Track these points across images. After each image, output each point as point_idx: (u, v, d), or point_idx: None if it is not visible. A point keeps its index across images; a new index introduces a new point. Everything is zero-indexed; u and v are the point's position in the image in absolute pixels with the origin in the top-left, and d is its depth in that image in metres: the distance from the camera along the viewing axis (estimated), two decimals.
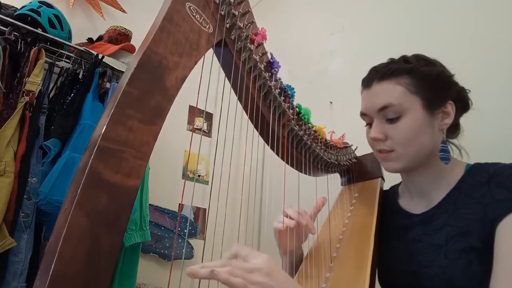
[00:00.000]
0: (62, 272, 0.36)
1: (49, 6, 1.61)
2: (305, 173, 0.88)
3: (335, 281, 0.68)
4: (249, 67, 0.67)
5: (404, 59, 0.76)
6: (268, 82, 0.71)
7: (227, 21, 0.62)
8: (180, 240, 1.96)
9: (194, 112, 2.18)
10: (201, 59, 0.54)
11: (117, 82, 1.60)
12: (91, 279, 0.38)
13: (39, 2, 1.59)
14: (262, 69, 0.69)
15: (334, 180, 1.02)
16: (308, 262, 0.77)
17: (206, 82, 0.54)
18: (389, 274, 0.78)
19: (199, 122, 2.22)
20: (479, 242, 0.63)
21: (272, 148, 0.76)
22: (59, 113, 1.46)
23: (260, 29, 0.69)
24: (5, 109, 1.30)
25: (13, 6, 1.60)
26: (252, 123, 0.72)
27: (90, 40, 1.82)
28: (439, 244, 0.68)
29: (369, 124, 0.77)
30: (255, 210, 1.81)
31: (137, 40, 1.68)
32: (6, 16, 1.45)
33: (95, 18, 2.02)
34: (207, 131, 2.26)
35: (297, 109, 0.81)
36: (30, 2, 1.59)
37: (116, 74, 1.67)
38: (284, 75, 0.75)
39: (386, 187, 0.96)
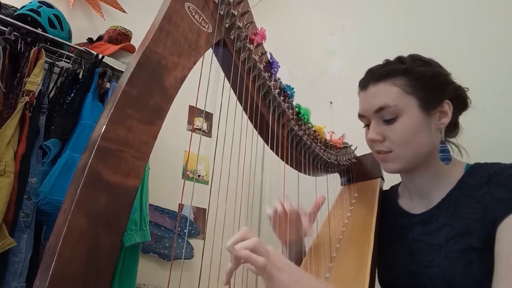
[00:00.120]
0: (62, 272, 0.36)
1: (49, 6, 1.61)
2: (305, 173, 0.88)
3: (335, 281, 0.68)
4: (249, 67, 0.67)
5: (399, 60, 0.76)
6: (268, 82, 0.71)
7: (226, 21, 0.62)
8: (180, 240, 1.96)
9: (194, 112, 2.18)
10: (201, 59, 0.54)
11: (117, 82, 1.60)
12: (91, 279, 0.38)
13: (39, 2, 1.59)
14: (262, 69, 0.69)
15: (333, 180, 1.02)
16: (308, 262, 0.77)
17: (205, 82, 0.54)
18: (389, 274, 0.78)
19: (199, 122, 2.22)
20: (480, 242, 0.63)
21: (271, 148, 0.76)
22: (59, 113, 1.46)
23: (259, 29, 0.69)
24: (5, 109, 1.30)
25: (13, 6, 1.60)
26: (252, 123, 0.72)
27: (90, 40, 1.82)
28: (439, 244, 0.68)
29: (367, 126, 0.77)
30: (255, 210, 1.81)
31: (137, 40, 1.67)
32: (6, 16, 1.45)
33: (95, 18, 2.02)
34: (207, 131, 2.26)
35: (296, 109, 0.81)
36: (30, 2, 1.59)
37: (116, 74, 1.67)
38: (284, 75, 0.75)
39: (386, 187, 0.96)
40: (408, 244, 0.75)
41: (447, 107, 0.72)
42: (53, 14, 1.60)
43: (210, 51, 0.60)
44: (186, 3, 0.53)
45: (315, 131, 0.87)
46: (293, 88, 0.79)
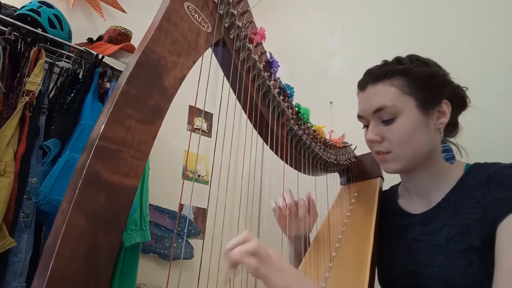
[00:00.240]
0: (60, 272, 0.36)
1: (49, 6, 1.61)
2: (304, 172, 0.88)
3: (335, 281, 0.68)
4: (248, 66, 0.67)
5: (397, 60, 0.76)
6: (267, 81, 0.71)
7: (226, 21, 0.62)
8: (179, 240, 1.96)
9: (193, 111, 2.18)
10: (200, 59, 0.54)
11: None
12: (90, 279, 0.38)
13: (39, 2, 1.59)
14: (261, 68, 0.69)
15: (333, 180, 1.02)
16: (307, 261, 0.77)
17: (205, 81, 0.54)
18: (389, 274, 0.78)
19: (199, 122, 2.22)
20: (480, 242, 0.63)
21: (271, 147, 0.76)
22: (59, 113, 1.46)
23: (259, 29, 0.69)
24: (5, 109, 1.30)
25: (13, 6, 1.60)
26: (251, 122, 0.72)
27: (90, 40, 1.82)
28: (439, 244, 0.68)
29: (367, 126, 0.77)
30: (255, 210, 1.81)
31: (137, 40, 1.67)
32: (6, 16, 1.45)
33: (95, 18, 2.02)
34: (206, 131, 2.26)
35: (296, 108, 0.81)
36: (30, 2, 1.59)
37: (116, 74, 1.67)
38: (284, 75, 0.75)
39: (386, 187, 0.96)
40: (408, 244, 0.75)
41: (446, 107, 0.72)
42: (53, 14, 1.60)
43: (209, 51, 0.60)
44: (186, 3, 0.53)
45: (314, 131, 0.87)
46: (292, 88, 0.79)
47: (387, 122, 0.72)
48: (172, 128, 2.03)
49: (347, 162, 1.00)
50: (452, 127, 0.78)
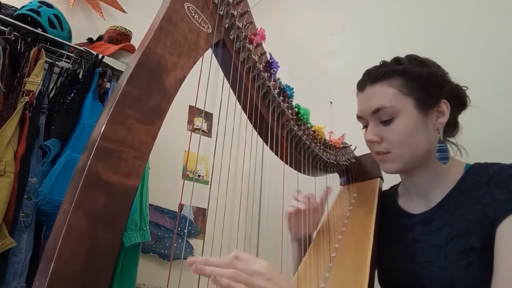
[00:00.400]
0: (61, 272, 0.36)
1: (49, 6, 1.61)
2: (304, 173, 0.88)
3: (334, 281, 0.68)
4: (248, 67, 0.68)
5: (396, 60, 0.76)
6: (267, 82, 0.71)
7: (226, 21, 0.62)
8: (180, 240, 1.96)
9: (193, 112, 2.18)
10: (200, 59, 0.54)
11: (117, 82, 1.60)
12: (90, 278, 0.38)
13: (39, 2, 1.59)
14: (261, 69, 0.69)
15: (333, 180, 1.02)
16: (307, 262, 0.77)
17: (205, 82, 0.54)
18: (389, 274, 0.78)
19: (199, 122, 2.22)
20: (479, 243, 0.63)
21: (271, 148, 0.76)
22: (59, 113, 1.46)
23: (259, 29, 0.69)
24: (5, 109, 1.30)
25: (13, 6, 1.60)
26: (251, 123, 0.72)
27: (90, 40, 1.82)
28: (439, 245, 0.68)
29: (366, 127, 0.78)
30: (255, 210, 1.81)
31: (137, 40, 1.67)
32: (6, 16, 1.45)
33: (95, 18, 2.02)
34: (207, 131, 2.26)
35: (296, 109, 0.81)
36: (30, 2, 1.59)
37: (116, 74, 1.67)
38: (284, 75, 0.75)
39: (386, 187, 0.96)
40: (408, 244, 0.75)
41: (445, 106, 0.72)
42: (53, 14, 1.60)
43: (209, 51, 0.60)
44: (186, 4, 0.53)
45: (314, 131, 0.87)
46: (292, 88, 0.79)
47: (386, 122, 0.72)
48: (173, 128, 2.03)
49: (347, 163, 1.00)
50: (452, 127, 0.78)
